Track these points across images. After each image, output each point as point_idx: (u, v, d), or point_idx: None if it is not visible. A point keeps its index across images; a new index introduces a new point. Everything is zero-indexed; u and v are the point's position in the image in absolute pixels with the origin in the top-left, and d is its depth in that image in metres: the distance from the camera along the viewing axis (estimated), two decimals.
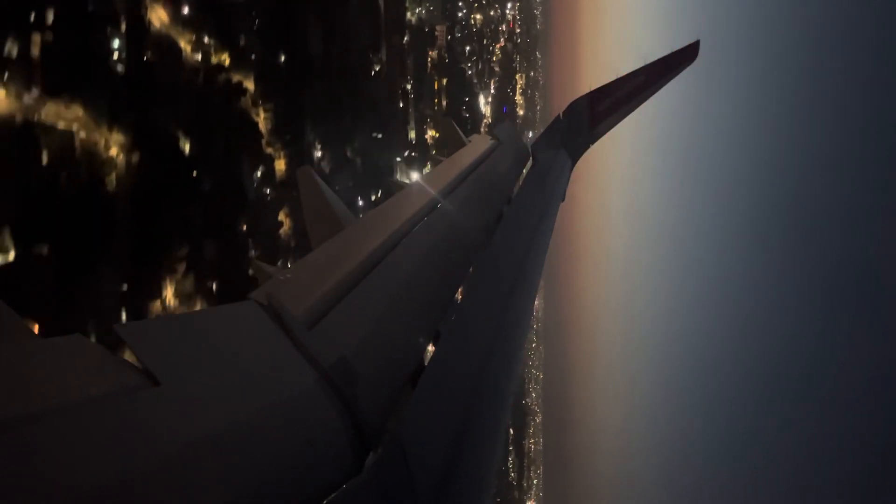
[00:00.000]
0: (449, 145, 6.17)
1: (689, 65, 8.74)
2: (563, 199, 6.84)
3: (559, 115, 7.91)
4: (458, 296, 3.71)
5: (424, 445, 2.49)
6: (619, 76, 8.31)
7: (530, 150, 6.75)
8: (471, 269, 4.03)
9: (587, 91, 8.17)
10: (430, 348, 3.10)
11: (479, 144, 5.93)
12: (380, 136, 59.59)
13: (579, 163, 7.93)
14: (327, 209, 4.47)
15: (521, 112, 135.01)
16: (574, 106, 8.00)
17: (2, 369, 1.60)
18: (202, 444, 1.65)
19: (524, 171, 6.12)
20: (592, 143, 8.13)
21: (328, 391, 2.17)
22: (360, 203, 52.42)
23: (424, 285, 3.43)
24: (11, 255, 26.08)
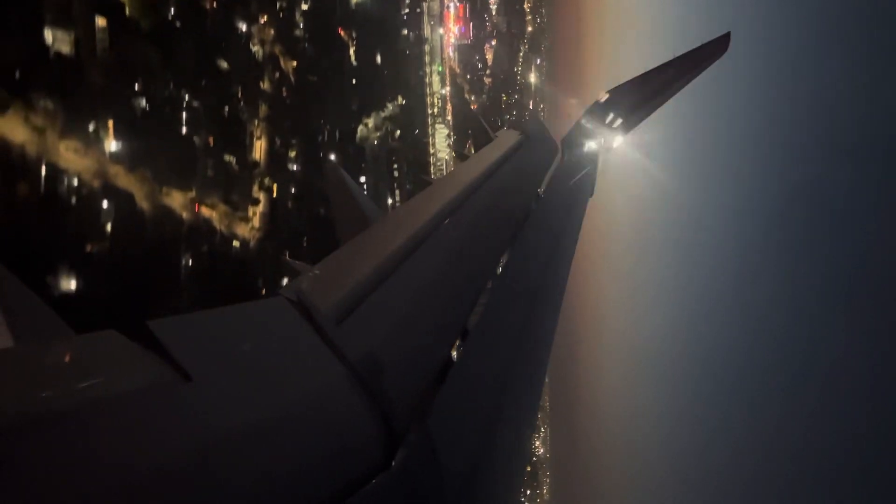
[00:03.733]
0: (476, 140, 6.14)
1: (719, 57, 8.53)
2: (591, 194, 6.76)
3: (587, 109, 7.82)
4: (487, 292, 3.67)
5: (453, 440, 2.48)
6: (648, 70, 8.16)
7: (559, 144, 6.68)
8: (499, 266, 3.99)
9: (615, 85, 8.06)
10: (459, 344, 3.08)
11: (506, 139, 5.89)
12: None
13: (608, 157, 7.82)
14: (354, 205, 4.49)
15: (529, 28, 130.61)
16: (602, 101, 7.90)
17: (40, 365, 1.63)
18: (233, 438, 1.66)
19: (553, 165, 6.06)
20: (622, 137, 8.01)
21: (357, 386, 2.17)
22: None
23: (452, 282, 3.41)
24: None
